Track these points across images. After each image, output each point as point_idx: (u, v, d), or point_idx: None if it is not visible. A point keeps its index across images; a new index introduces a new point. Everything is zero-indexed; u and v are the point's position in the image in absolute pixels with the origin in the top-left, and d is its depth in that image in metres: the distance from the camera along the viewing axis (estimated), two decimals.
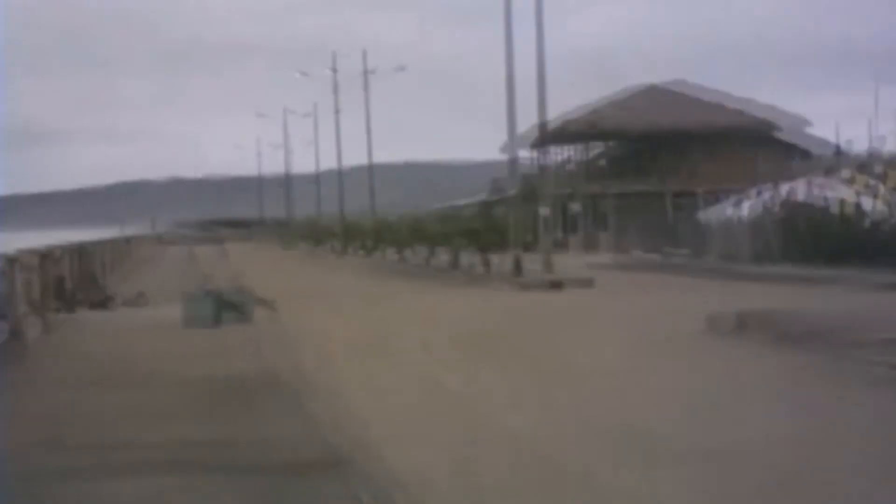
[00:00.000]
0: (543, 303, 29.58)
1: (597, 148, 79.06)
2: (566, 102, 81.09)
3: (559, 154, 78.90)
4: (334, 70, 76.36)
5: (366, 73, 76.42)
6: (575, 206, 69.90)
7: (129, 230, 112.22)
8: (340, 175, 76.56)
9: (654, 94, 75.07)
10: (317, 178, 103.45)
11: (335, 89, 76.02)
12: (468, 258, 43.33)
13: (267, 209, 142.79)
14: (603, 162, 79.83)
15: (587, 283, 35.61)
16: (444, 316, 26.12)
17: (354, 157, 77.62)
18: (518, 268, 37.87)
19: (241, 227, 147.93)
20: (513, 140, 42.14)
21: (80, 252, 39.21)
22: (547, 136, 44.51)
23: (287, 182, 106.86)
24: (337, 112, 76.11)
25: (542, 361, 17.36)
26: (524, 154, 68.53)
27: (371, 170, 73.76)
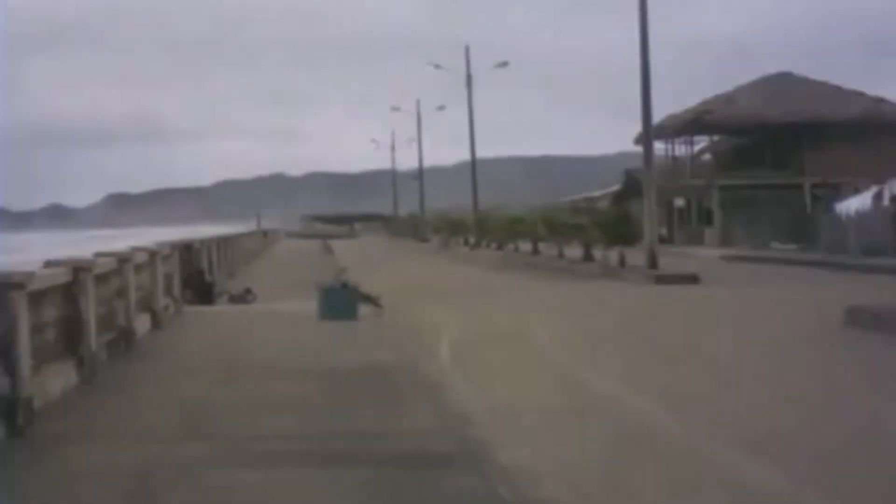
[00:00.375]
0: (680, 296, 29.22)
1: (736, 137, 77.49)
2: (701, 92, 80.00)
3: (697, 143, 77.74)
4: (467, 63, 76.29)
5: (474, 69, 76.27)
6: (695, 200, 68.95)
7: (265, 224, 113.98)
8: (474, 168, 76.57)
9: (788, 82, 73.34)
10: (420, 173, 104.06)
11: (468, 82, 75.95)
12: (602, 251, 43.03)
13: (386, 202, 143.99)
14: (711, 154, 78.18)
15: (722, 276, 35.16)
16: (578, 309, 25.96)
17: (468, 151, 77.36)
18: (653, 260, 37.45)
19: (375, 220, 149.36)
20: (648, 131, 41.60)
21: (219, 245, 39.93)
22: (652, 129, 43.68)
23: (420, 176, 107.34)
24: (470, 105, 75.97)
25: (683, 356, 17.11)
26: (659, 146, 67.62)
27: (473, 164, 73.66)
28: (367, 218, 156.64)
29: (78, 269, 14.78)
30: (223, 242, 43.43)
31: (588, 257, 44.40)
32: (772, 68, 76.55)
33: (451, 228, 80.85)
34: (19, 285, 11.39)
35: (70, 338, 14.34)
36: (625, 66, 40.14)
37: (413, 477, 9.22)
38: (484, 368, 16.04)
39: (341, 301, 22.95)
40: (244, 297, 30.03)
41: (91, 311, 14.94)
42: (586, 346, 18.65)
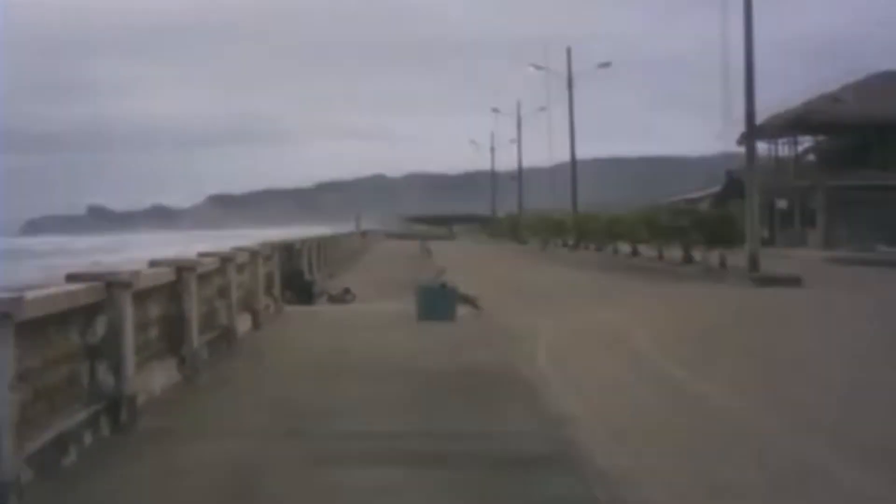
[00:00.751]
0: (782, 299, 28.80)
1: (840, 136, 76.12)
2: (801, 91, 78.80)
3: (801, 144, 76.58)
4: (569, 64, 76.03)
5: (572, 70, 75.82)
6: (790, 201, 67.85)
7: (364, 225, 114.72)
8: (574, 169, 76.27)
9: (893, 81, 71.88)
10: (519, 174, 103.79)
11: (570, 83, 75.71)
12: (702, 253, 42.62)
13: (484, 204, 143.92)
14: (815, 155, 76.85)
15: (825, 279, 34.63)
16: (677, 312, 25.71)
17: (566, 153, 77.04)
18: (755, 262, 36.99)
19: (473, 221, 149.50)
20: (751, 131, 41.07)
21: (319, 245, 40.28)
22: (753, 127, 43.02)
23: (519, 177, 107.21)
24: (571, 106, 75.69)
25: (783, 360, 16.87)
26: (761, 146, 66.69)
27: (573, 166, 73.36)
28: (466, 219, 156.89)
29: (181, 268, 15.00)
30: (323, 243, 43.79)
31: (688, 259, 44.00)
32: (875, 67, 75.10)
33: (550, 230, 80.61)
34: (125, 284, 11.59)
35: (173, 336, 14.56)
36: (727, 66, 39.56)
37: (509, 479, 9.20)
38: (582, 370, 15.96)
39: (440, 302, 23.00)
40: (343, 297, 30.23)
41: (193, 311, 15.16)
42: (685, 348, 18.46)
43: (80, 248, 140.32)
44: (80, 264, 15.14)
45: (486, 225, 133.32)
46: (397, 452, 10.21)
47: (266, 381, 14.95)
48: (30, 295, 9.06)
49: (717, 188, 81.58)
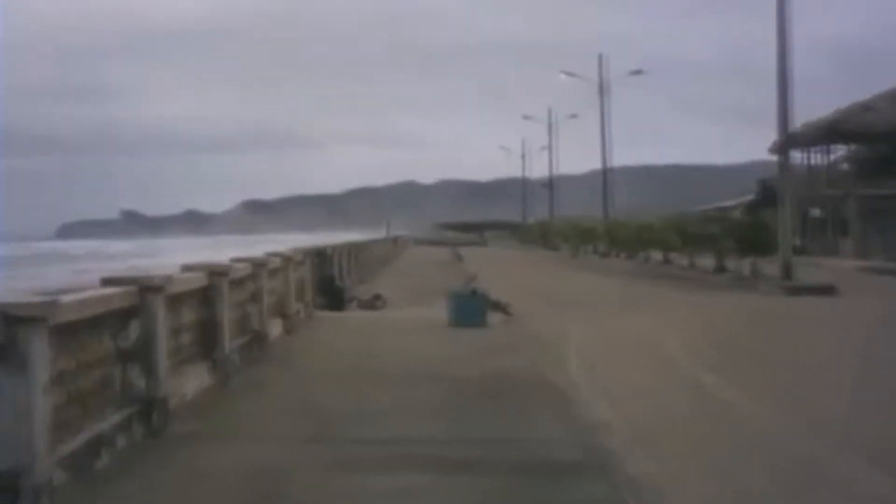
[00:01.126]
0: (815, 308, 28.66)
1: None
2: (834, 99, 78.60)
3: (834, 152, 76.17)
4: (600, 71, 76.04)
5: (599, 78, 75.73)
6: (817, 210, 67.48)
7: (395, 231, 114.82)
8: (605, 176, 76.16)
9: None
10: (550, 182, 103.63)
11: (601, 90, 75.72)
12: (734, 261, 42.47)
13: (514, 211, 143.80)
14: (848, 163, 76.35)
15: (858, 288, 34.43)
16: (708, 320, 25.62)
17: (596, 160, 77.17)
18: (787, 271, 36.83)
19: (504, 228, 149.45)
20: (785, 139, 40.88)
21: (350, 251, 40.36)
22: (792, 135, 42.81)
23: (550, 184, 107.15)
24: (603, 114, 75.64)
25: (813, 369, 16.79)
26: (794, 155, 66.35)
27: (605, 173, 73.33)
28: (497, 226, 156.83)
29: (214, 273, 15.09)
30: (354, 249, 43.88)
31: (720, 268, 43.85)
32: None
33: (581, 237, 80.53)
34: (158, 289, 11.67)
35: (205, 341, 14.64)
36: (759, 74, 39.51)
37: (539, 485, 9.21)
38: (612, 377, 15.94)
39: (471, 308, 23.03)
40: (374, 303, 30.28)
41: (226, 315, 15.24)
42: (716, 356, 18.40)
43: (115, 252, 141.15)
44: (116, 268, 15.27)
45: (517, 232, 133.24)
46: (426, 458, 10.22)
47: (296, 386, 15.00)
48: (64, 299, 9.14)
49: (749, 196, 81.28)
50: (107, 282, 11.41)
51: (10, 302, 8.12)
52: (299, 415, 12.60)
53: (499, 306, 24.82)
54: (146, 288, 11.51)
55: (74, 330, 9.47)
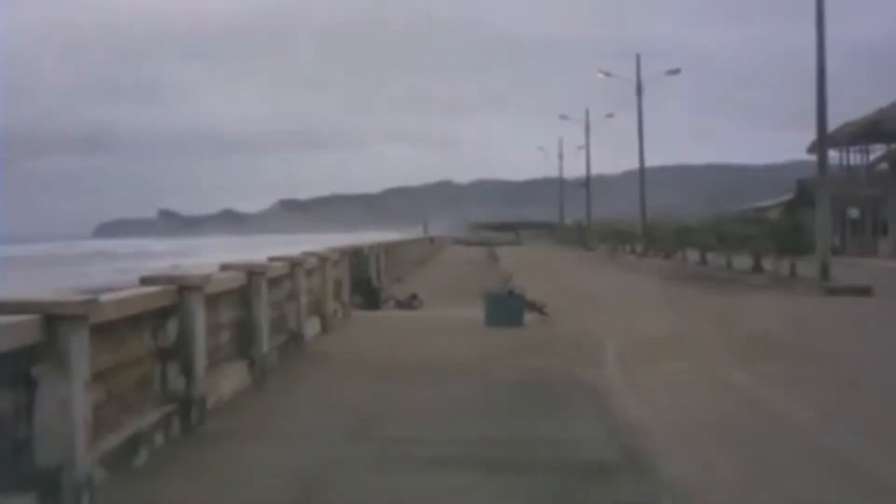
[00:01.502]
0: (852, 309, 28.48)
1: None
2: (873, 99, 78.00)
3: (873, 152, 75.67)
4: (637, 70, 75.73)
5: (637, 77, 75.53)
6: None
7: (432, 230, 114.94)
8: (642, 176, 75.90)
9: None
10: (587, 182, 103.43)
11: (638, 90, 75.39)
12: (772, 262, 42.24)
13: (550, 211, 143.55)
14: (888, 163, 75.63)
15: (894, 288, 34.17)
16: (745, 319, 25.50)
17: (632, 160, 76.69)
18: (825, 271, 36.60)
19: (540, 228, 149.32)
20: (823, 139, 40.61)
21: (387, 251, 40.43)
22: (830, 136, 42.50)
23: (587, 184, 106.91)
24: (640, 114, 75.33)
25: (848, 370, 16.67)
26: (833, 155, 65.96)
27: (642, 173, 73.06)
28: (533, 226, 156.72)
29: (252, 272, 15.16)
30: (391, 248, 43.95)
31: (758, 268, 43.63)
32: None
33: (618, 237, 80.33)
34: (196, 288, 11.74)
35: (243, 340, 14.72)
36: (797, 73, 39.29)
37: (575, 485, 9.21)
38: (648, 377, 15.89)
39: (507, 308, 23.03)
40: (411, 302, 30.32)
41: (263, 314, 15.31)
42: (753, 356, 18.28)
43: (154, 251, 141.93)
44: (157, 267, 15.38)
45: (553, 232, 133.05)
46: (463, 457, 10.24)
47: (334, 384, 15.05)
48: (104, 298, 9.22)
49: (787, 197, 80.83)
50: (146, 281, 11.50)
51: (50, 300, 8.19)
52: (337, 413, 12.65)
53: (534, 306, 24.79)
54: (185, 287, 11.59)
55: (114, 328, 9.55)
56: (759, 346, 19.82)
